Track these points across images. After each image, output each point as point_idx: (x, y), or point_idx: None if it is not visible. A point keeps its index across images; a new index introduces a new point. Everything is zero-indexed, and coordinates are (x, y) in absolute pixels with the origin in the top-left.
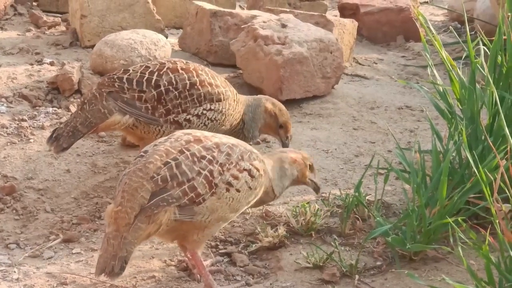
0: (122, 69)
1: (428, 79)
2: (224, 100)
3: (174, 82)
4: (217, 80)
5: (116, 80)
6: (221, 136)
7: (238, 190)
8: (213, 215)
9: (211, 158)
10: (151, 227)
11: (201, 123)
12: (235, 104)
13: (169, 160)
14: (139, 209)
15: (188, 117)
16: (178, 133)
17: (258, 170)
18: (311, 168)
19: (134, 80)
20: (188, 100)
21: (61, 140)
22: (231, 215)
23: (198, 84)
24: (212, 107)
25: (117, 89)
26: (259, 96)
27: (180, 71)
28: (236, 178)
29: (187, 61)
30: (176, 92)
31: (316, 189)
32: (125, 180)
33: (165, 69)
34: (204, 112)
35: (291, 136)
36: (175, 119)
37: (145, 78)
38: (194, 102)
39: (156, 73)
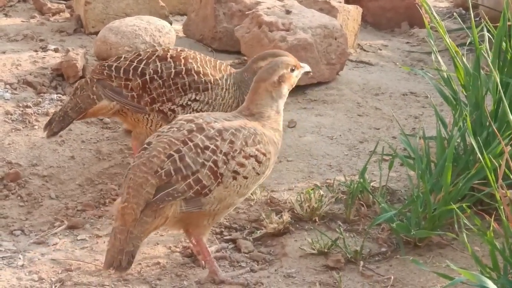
0: (116, 57)
1: (433, 66)
2: (211, 90)
3: (160, 71)
4: (206, 68)
5: (106, 67)
6: (225, 120)
7: (245, 177)
8: (222, 203)
9: (214, 147)
10: (157, 221)
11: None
12: (224, 92)
13: (172, 153)
14: (144, 204)
15: (173, 107)
16: (181, 120)
17: (264, 154)
18: (295, 68)
19: (122, 68)
20: (173, 89)
21: (52, 125)
22: (240, 199)
23: (183, 72)
24: (198, 98)
25: (105, 77)
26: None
27: (169, 59)
28: (242, 165)
29: (182, 48)
30: (160, 80)
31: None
32: (130, 175)
33: (154, 57)
34: (189, 103)
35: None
36: (160, 108)
37: (132, 67)
38: (178, 91)
39: (144, 62)
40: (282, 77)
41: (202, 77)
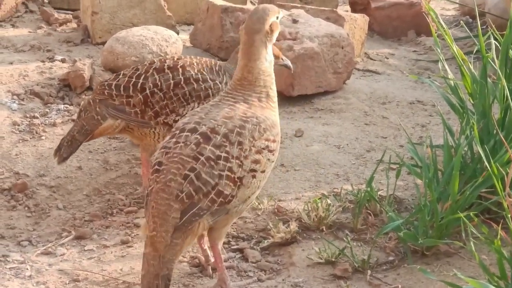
0: (114, 75)
1: (440, 74)
2: (213, 95)
3: (159, 83)
4: (205, 74)
5: (106, 87)
6: (226, 119)
7: (263, 171)
8: (246, 202)
9: (226, 155)
10: (188, 240)
11: None
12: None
13: (188, 173)
14: (173, 229)
15: (177, 118)
16: (183, 129)
17: (274, 141)
18: (278, 15)
19: (122, 86)
20: (174, 100)
21: (62, 150)
22: (260, 189)
23: (182, 82)
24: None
25: (107, 96)
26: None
27: (166, 70)
28: (257, 162)
29: (179, 56)
30: (161, 93)
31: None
32: (151, 203)
33: (151, 70)
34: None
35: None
36: (165, 120)
37: (131, 83)
38: (180, 101)
39: (143, 76)
40: (272, 25)
41: (202, 83)
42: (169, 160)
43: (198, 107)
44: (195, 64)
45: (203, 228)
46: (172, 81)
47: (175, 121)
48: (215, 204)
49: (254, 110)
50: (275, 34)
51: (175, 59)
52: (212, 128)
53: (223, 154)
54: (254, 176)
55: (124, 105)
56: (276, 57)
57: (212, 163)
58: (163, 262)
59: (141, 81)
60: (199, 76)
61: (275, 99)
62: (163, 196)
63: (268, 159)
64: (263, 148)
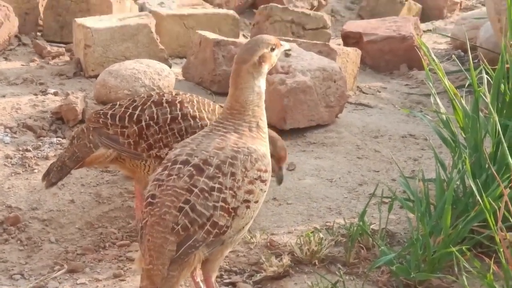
0: (111, 104)
1: (432, 108)
2: None
3: (155, 117)
4: (203, 112)
5: (101, 115)
6: (218, 150)
7: (256, 201)
8: (240, 232)
9: (219, 186)
10: (184, 272)
11: None
12: None
13: (182, 205)
14: (169, 262)
15: None
16: (175, 161)
17: (265, 171)
18: (275, 47)
19: (117, 116)
20: (169, 135)
21: (50, 175)
22: (252, 220)
23: (179, 118)
24: None
25: (101, 125)
26: None
27: (164, 104)
28: (251, 192)
29: (178, 91)
30: (156, 127)
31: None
32: (147, 237)
33: (149, 103)
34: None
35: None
36: (158, 154)
37: (127, 114)
38: (175, 136)
39: (140, 108)
40: (262, 57)
41: (199, 121)
42: (163, 192)
43: None
44: (194, 102)
45: (199, 260)
46: (169, 116)
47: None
48: (211, 236)
49: (245, 140)
50: (266, 66)
51: (174, 94)
52: (205, 159)
53: (217, 185)
54: (248, 207)
55: (118, 135)
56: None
57: (206, 194)
58: None
59: (137, 112)
60: (197, 113)
61: (266, 130)
62: (158, 229)
63: (261, 189)
64: (256, 179)
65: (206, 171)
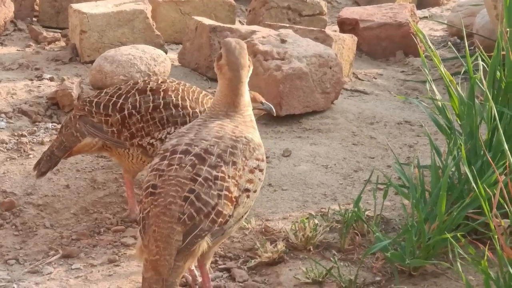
0: (97, 92)
1: (427, 94)
2: (189, 123)
3: (138, 105)
4: (186, 101)
5: (87, 104)
6: (218, 139)
7: (255, 191)
8: (239, 221)
9: (222, 175)
10: (189, 262)
11: None
12: None
13: (187, 195)
14: (176, 252)
15: (151, 141)
16: (174, 150)
17: (262, 160)
18: None
19: (102, 104)
20: (150, 124)
21: (41, 165)
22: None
23: (161, 106)
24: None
25: (86, 113)
26: None
27: (148, 92)
28: (251, 181)
29: (164, 79)
30: (138, 115)
31: None
32: (152, 228)
33: (133, 91)
34: (168, 136)
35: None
36: (139, 142)
37: (111, 102)
38: (156, 125)
39: (124, 96)
40: (249, 59)
41: (181, 110)
42: (165, 183)
43: (174, 131)
44: (180, 90)
45: (203, 249)
46: (151, 104)
47: (149, 144)
48: (216, 224)
49: (241, 128)
50: (251, 68)
51: (159, 81)
52: (205, 149)
53: (220, 174)
54: (248, 196)
55: (102, 123)
56: (255, 101)
57: (210, 183)
58: (166, 286)
59: (121, 101)
60: (180, 102)
61: (255, 125)
62: (164, 220)
63: (259, 179)
64: (255, 168)
65: (208, 160)
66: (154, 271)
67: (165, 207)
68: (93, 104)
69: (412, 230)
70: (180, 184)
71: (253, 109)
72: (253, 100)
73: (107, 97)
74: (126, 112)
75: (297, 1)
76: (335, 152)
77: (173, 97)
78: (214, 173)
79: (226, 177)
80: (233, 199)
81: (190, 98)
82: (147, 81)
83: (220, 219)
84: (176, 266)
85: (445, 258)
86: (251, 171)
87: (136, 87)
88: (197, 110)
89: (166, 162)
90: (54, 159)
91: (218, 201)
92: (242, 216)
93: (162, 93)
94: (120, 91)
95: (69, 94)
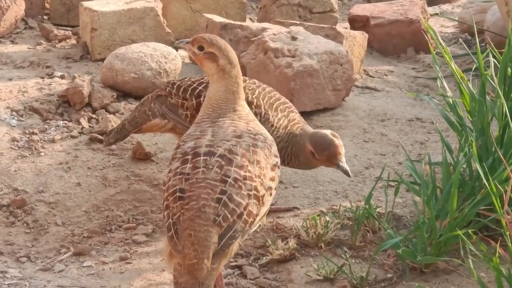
0: (184, 77)
1: (438, 91)
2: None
3: None
4: (260, 101)
5: (170, 85)
6: (238, 138)
7: (275, 188)
8: (261, 220)
9: (250, 174)
10: (222, 264)
11: None
12: (273, 129)
13: (220, 196)
14: (212, 254)
15: None
16: (198, 155)
17: (277, 156)
18: None
19: (182, 88)
20: None
21: (110, 135)
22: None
23: None
24: None
25: (167, 93)
26: (312, 130)
27: None
28: (273, 179)
29: (245, 78)
30: None
31: None
32: (186, 232)
33: None
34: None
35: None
36: None
37: (191, 87)
38: None
39: (204, 85)
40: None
41: (254, 108)
42: (194, 186)
43: None
44: (256, 91)
45: (235, 250)
46: None
47: None
48: (247, 225)
49: (252, 125)
50: None
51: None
52: (229, 149)
53: (248, 174)
54: (270, 194)
55: (179, 106)
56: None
57: (240, 183)
58: None
59: (200, 88)
60: (255, 100)
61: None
62: (200, 223)
63: (278, 176)
64: (274, 165)
65: (234, 161)
66: (190, 275)
67: (199, 210)
68: (175, 86)
69: (424, 227)
70: (211, 186)
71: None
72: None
73: (189, 82)
74: (201, 98)
75: None
76: (346, 149)
77: (249, 95)
78: (242, 173)
79: (254, 176)
80: (260, 198)
81: (265, 101)
82: None
83: (251, 219)
84: (211, 269)
85: (456, 255)
86: (272, 169)
87: None
88: (269, 113)
89: (190, 165)
90: (124, 132)
91: (249, 201)
92: (264, 215)
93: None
94: (202, 80)
95: (80, 92)
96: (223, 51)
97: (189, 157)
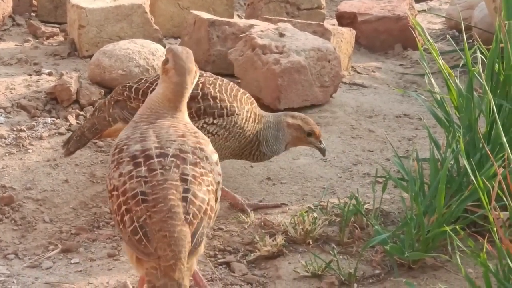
0: (139, 78)
1: (426, 88)
2: (226, 116)
3: None
4: (224, 95)
5: (126, 89)
6: (182, 137)
7: (221, 183)
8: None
9: (204, 170)
10: (194, 260)
11: None
12: (244, 122)
13: (185, 195)
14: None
15: None
16: (150, 157)
17: (215, 153)
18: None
19: (141, 90)
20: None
21: (69, 144)
22: None
23: (199, 97)
24: (215, 121)
25: (125, 98)
26: (277, 113)
27: None
28: (219, 174)
29: (202, 73)
30: None
31: None
32: (160, 234)
33: None
34: (205, 125)
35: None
36: None
37: (150, 89)
38: (192, 115)
39: None
40: (196, 65)
41: (219, 102)
42: (157, 188)
43: (212, 121)
44: (217, 84)
45: (204, 247)
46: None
47: None
48: (211, 220)
49: (189, 126)
50: (198, 75)
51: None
52: (179, 148)
53: (202, 170)
54: (221, 189)
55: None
56: (317, 138)
57: (199, 180)
58: None
59: None
60: (218, 95)
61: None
62: (173, 223)
63: (218, 172)
64: (215, 162)
65: (187, 159)
66: (168, 277)
67: (169, 211)
68: (133, 90)
69: (411, 223)
70: (174, 186)
71: (309, 144)
72: (316, 137)
73: (147, 84)
74: None
75: None
76: (334, 146)
77: (211, 90)
78: (198, 169)
79: (208, 172)
80: (215, 193)
81: (228, 93)
82: None
83: (213, 214)
84: (186, 268)
85: (444, 251)
86: (217, 163)
87: None
88: (235, 105)
89: (145, 168)
90: (84, 140)
91: (209, 196)
92: (217, 210)
93: (200, 85)
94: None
95: (67, 89)
96: (174, 57)
97: (141, 160)
